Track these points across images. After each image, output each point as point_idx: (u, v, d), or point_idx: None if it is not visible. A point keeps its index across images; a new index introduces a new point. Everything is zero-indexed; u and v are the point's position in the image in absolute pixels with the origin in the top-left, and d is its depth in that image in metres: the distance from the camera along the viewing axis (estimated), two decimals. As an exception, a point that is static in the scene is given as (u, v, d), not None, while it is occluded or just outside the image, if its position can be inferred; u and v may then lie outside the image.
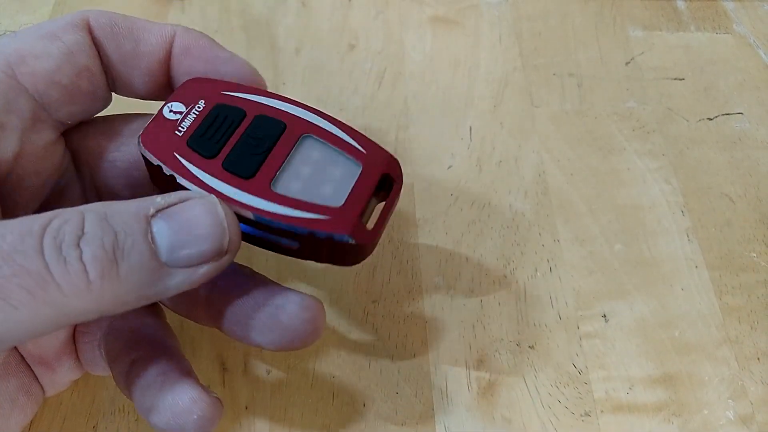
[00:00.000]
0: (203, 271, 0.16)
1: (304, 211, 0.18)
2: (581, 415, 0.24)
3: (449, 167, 0.30)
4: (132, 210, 0.16)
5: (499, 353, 0.25)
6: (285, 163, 0.19)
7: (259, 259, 0.26)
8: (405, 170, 0.29)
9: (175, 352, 0.20)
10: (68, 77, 0.19)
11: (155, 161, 0.18)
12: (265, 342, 0.18)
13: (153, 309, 0.22)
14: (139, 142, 0.19)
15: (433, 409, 0.24)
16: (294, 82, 0.32)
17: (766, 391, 0.25)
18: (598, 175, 0.30)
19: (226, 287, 0.19)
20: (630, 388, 0.25)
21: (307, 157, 0.19)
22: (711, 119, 0.32)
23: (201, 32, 0.21)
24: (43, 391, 0.21)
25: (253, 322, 0.19)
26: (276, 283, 0.19)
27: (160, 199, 0.16)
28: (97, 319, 0.21)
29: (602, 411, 0.24)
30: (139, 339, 0.20)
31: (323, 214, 0.18)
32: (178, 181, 0.18)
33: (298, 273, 0.27)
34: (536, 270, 0.27)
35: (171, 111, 0.19)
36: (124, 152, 0.21)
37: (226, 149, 0.19)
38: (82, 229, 0.15)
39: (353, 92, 0.32)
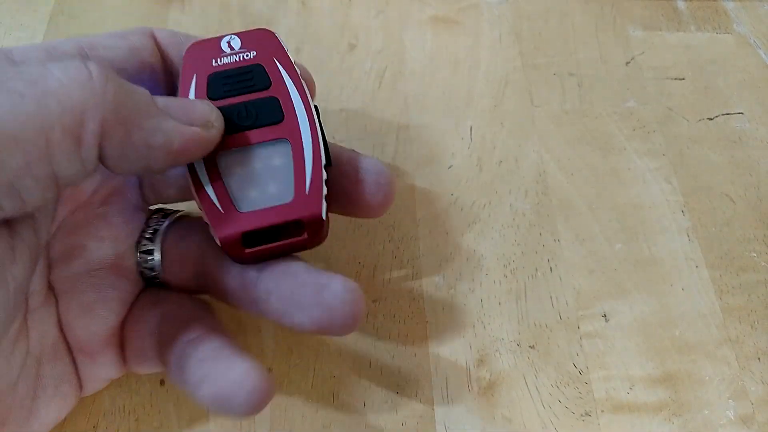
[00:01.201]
0: (193, 130, 0.18)
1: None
2: (581, 415, 0.24)
3: (449, 167, 0.30)
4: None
5: (500, 353, 0.25)
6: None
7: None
8: (405, 170, 0.29)
9: (228, 335, 0.20)
10: (134, 68, 0.20)
11: (181, 69, 0.20)
12: (307, 321, 0.19)
13: (203, 305, 0.22)
14: (188, 48, 0.21)
15: (433, 409, 0.24)
16: (294, 81, 0.32)
17: (766, 390, 0.25)
18: (598, 174, 0.30)
19: (274, 269, 0.20)
20: (630, 388, 0.25)
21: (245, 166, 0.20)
22: (711, 119, 0.32)
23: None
24: (81, 388, 0.21)
25: (297, 298, 0.19)
26: (319, 269, 0.20)
27: None
28: (149, 307, 0.22)
29: (602, 411, 0.24)
30: (194, 323, 0.21)
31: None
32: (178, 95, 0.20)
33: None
34: (536, 270, 0.27)
35: (227, 43, 0.21)
36: None
37: (227, 101, 0.20)
38: (85, 58, 0.17)
39: (353, 92, 0.31)
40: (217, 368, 0.18)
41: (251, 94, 0.20)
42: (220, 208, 0.19)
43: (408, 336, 0.25)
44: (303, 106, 0.20)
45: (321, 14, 0.34)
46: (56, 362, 0.20)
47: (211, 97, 0.20)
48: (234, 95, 0.20)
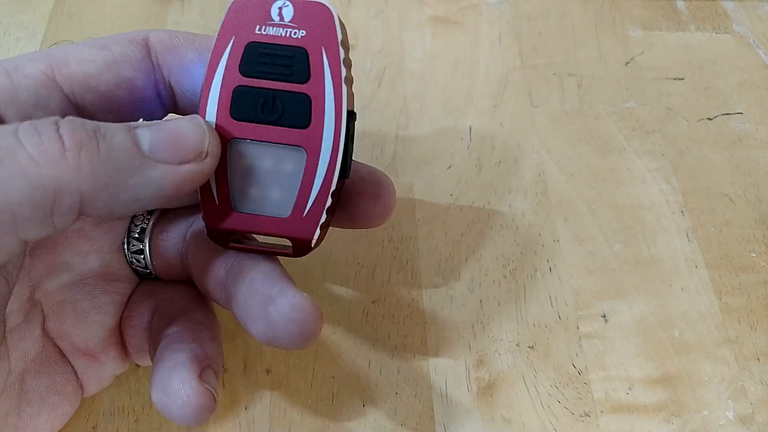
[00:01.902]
0: (186, 169, 0.17)
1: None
2: (581, 416, 0.24)
3: (449, 167, 0.30)
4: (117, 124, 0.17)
5: (499, 353, 0.25)
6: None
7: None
8: (404, 170, 0.29)
9: (204, 337, 0.20)
10: (107, 85, 0.19)
11: (220, 25, 0.18)
12: (254, 332, 0.18)
13: (196, 297, 0.22)
14: (234, 2, 0.18)
15: (432, 409, 0.24)
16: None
17: (765, 391, 0.25)
18: (597, 174, 0.30)
19: (237, 271, 0.19)
20: (630, 389, 0.25)
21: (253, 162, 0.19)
22: (711, 119, 0.32)
23: None
24: (82, 390, 0.21)
25: (247, 308, 0.18)
26: (287, 276, 0.19)
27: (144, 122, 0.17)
28: (143, 300, 0.21)
29: (602, 411, 0.24)
30: (178, 319, 0.20)
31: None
32: (210, 57, 0.18)
33: (297, 273, 0.27)
34: (536, 270, 0.27)
35: (279, 9, 0.18)
36: None
37: (258, 81, 0.18)
38: (57, 121, 0.15)
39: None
40: (164, 376, 0.18)
41: (285, 83, 0.18)
42: (216, 199, 0.19)
43: (407, 336, 0.25)
44: (334, 114, 0.18)
45: (320, 14, 0.34)
46: (42, 376, 0.20)
47: (243, 72, 0.18)
48: (267, 78, 0.18)
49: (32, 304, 0.20)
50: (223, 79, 0.18)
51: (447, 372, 0.25)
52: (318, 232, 0.19)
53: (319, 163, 0.18)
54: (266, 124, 0.18)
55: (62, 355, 0.21)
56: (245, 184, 0.19)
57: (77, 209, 0.15)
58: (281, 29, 0.18)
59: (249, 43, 0.18)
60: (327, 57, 0.18)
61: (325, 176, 0.18)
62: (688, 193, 0.29)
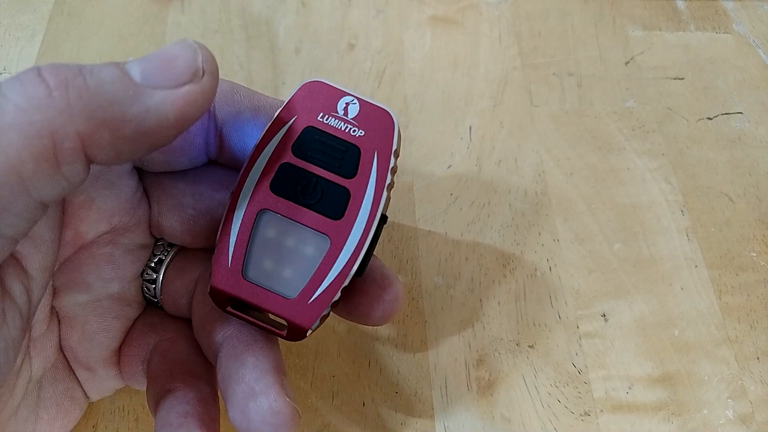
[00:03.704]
0: (185, 91, 0.16)
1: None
2: (581, 415, 0.24)
3: (449, 167, 0.30)
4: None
5: (499, 353, 0.25)
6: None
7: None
8: (405, 170, 0.29)
9: (207, 397, 0.20)
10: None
11: (288, 99, 0.19)
12: (230, 415, 0.18)
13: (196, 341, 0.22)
14: (307, 82, 0.19)
15: (432, 409, 0.24)
16: (294, 81, 0.32)
17: (765, 390, 0.25)
18: (597, 174, 0.30)
19: (233, 345, 0.19)
20: (629, 388, 0.25)
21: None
22: (711, 119, 0.32)
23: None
24: (87, 397, 0.22)
25: (230, 393, 0.18)
26: (278, 369, 0.19)
27: None
28: (145, 332, 0.21)
29: (602, 410, 0.24)
30: (180, 371, 0.20)
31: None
32: (267, 127, 0.19)
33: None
34: (536, 269, 0.27)
35: (345, 105, 0.19)
36: (198, 200, 0.21)
37: (306, 164, 0.19)
38: (40, 67, 0.14)
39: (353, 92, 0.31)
40: None
41: (331, 173, 0.19)
42: (229, 260, 0.18)
43: (407, 336, 0.25)
44: (368, 213, 0.18)
45: (320, 14, 0.34)
46: (57, 382, 0.20)
47: (294, 151, 0.19)
48: (315, 164, 0.19)
49: (52, 314, 0.20)
50: (273, 152, 0.19)
51: (447, 371, 0.25)
52: (317, 323, 0.18)
53: (340, 256, 0.18)
54: (301, 205, 0.18)
55: (69, 364, 0.21)
56: (262, 255, 0.19)
57: (82, 153, 0.15)
58: (342, 123, 0.19)
59: (308, 127, 0.19)
60: (377, 161, 0.19)
61: (342, 270, 0.18)
62: (687, 193, 0.29)
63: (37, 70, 0.14)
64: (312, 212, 0.18)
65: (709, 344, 0.26)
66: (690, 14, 0.36)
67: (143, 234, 0.21)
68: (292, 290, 0.18)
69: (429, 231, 0.28)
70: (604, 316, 0.26)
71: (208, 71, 0.16)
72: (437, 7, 0.35)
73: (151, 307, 0.22)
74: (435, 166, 0.30)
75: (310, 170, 0.19)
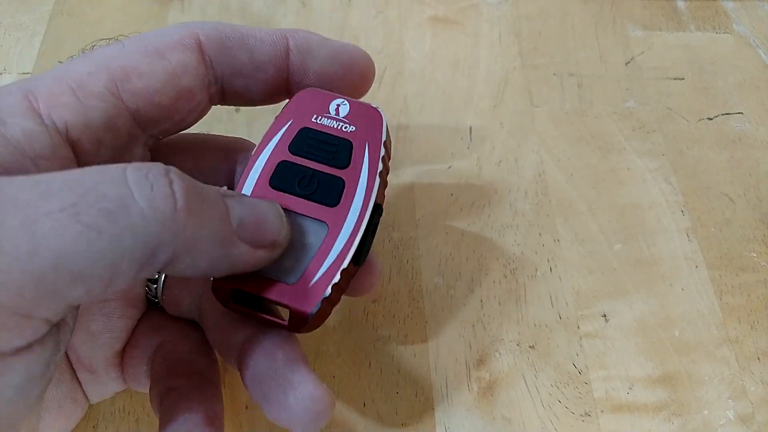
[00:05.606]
0: (259, 255, 0.17)
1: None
2: (581, 415, 0.24)
3: (449, 167, 0.30)
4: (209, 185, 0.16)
5: (499, 353, 0.25)
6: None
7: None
8: (405, 170, 0.28)
9: (210, 394, 0.20)
10: (169, 98, 0.19)
11: (284, 107, 0.21)
12: (266, 411, 0.18)
13: (200, 342, 0.22)
14: (300, 91, 0.21)
15: (433, 409, 0.24)
16: (294, 81, 0.32)
17: (766, 390, 0.25)
18: (597, 174, 0.30)
19: (259, 341, 0.19)
20: (630, 388, 0.25)
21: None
22: (711, 119, 0.32)
23: (308, 30, 0.21)
24: (87, 399, 0.22)
25: (264, 388, 0.18)
26: (306, 360, 0.19)
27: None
28: (148, 333, 0.21)
29: (602, 411, 0.24)
30: (184, 369, 0.20)
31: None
32: (267, 131, 0.20)
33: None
34: (536, 270, 0.27)
35: (336, 106, 0.21)
36: (205, 174, 0.21)
37: (301, 159, 0.20)
38: (168, 172, 0.15)
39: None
40: None
41: (325, 166, 0.20)
42: None
43: (408, 336, 0.25)
44: (363, 197, 0.19)
45: (321, 14, 0.34)
46: (61, 384, 0.20)
47: (291, 149, 0.20)
48: (311, 159, 0.20)
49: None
50: (272, 152, 0.20)
51: (447, 371, 0.25)
52: (318, 305, 0.18)
53: (337, 239, 0.19)
54: (299, 197, 0.19)
55: (71, 366, 0.21)
56: None
57: (163, 266, 0.15)
58: (335, 122, 0.20)
59: (303, 127, 0.20)
60: (369, 151, 0.20)
61: (340, 252, 0.19)
62: (688, 193, 0.29)
63: (168, 179, 0.15)
64: (309, 202, 0.19)
65: (710, 344, 0.26)
66: (690, 14, 0.36)
67: None
68: (293, 277, 0.19)
69: (429, 231, 0.28)
70: (605, 316, 0.26)
71: (282, 244, 0.18)
72: (437, 7, 0.35)
73: (152, 308, 0.22)
74: (435, 167, 0.30)
75: (307, 165, 0.20)
